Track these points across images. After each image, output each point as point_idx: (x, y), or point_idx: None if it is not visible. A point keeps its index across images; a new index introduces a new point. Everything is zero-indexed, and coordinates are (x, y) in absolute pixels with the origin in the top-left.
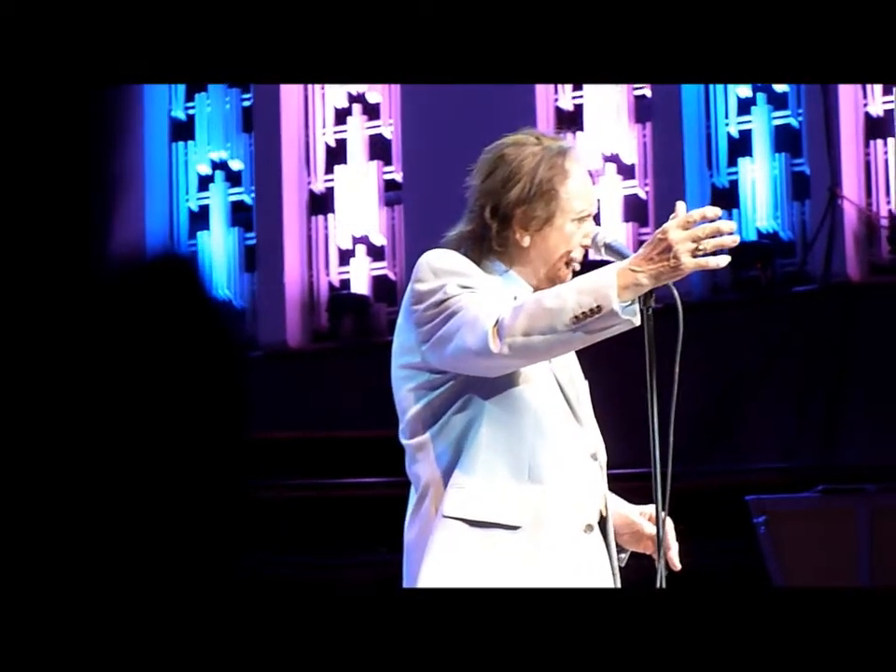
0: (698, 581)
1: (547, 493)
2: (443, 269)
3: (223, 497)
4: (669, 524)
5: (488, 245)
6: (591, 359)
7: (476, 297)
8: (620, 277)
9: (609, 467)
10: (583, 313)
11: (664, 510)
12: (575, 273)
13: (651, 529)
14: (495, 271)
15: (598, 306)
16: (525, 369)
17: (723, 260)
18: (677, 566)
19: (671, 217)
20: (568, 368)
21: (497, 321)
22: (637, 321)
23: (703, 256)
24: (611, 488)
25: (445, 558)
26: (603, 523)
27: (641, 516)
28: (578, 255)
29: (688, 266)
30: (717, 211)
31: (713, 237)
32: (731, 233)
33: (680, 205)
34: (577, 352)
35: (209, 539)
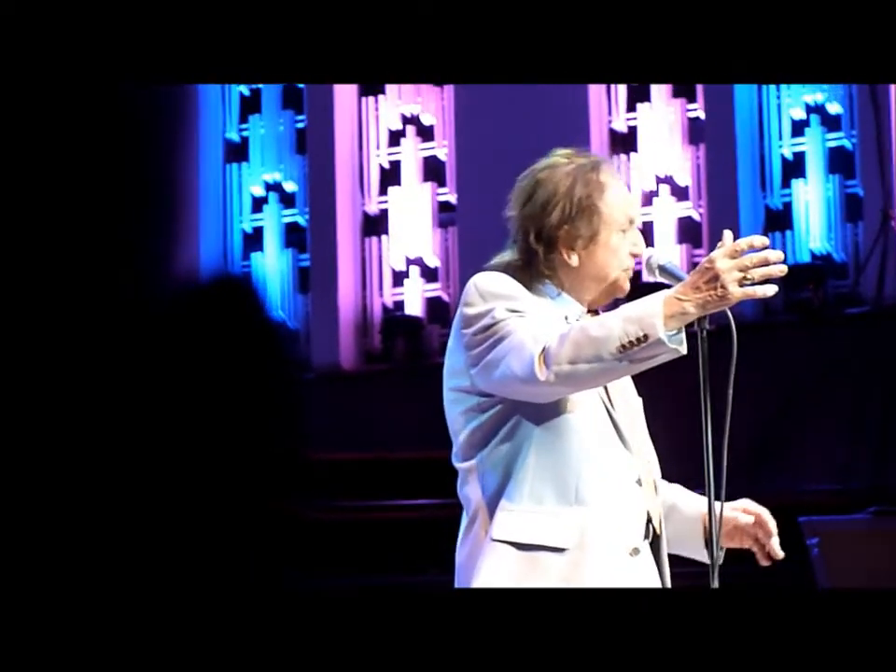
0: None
1: (592, 516)
2: (492, 292)
3: (272, 517)
4: (766, 512)
5: (537, 270)
6: (646, 381)
7: (524, 322)
8: (666, 306)
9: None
10: (630, 342)
11: (717, 532)
12: (627, 296)
13: (746, 519)
14: (547, 294)
15: (645, 335)
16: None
17: (771, 290)
18: (779, 554)
19: (718, 245)
20: (621, 391)
21: (543, 348)
22: (683, 350)
23: (750, 285)
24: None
25: (492, 580)
26: (656, 542)
27: (734, 511)
28: (630, 263)
29: (735, 295)
30: (764, 240)
31: (761, 266)
32: (779, 262)
33: (728, 234)
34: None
35: (254, 555)
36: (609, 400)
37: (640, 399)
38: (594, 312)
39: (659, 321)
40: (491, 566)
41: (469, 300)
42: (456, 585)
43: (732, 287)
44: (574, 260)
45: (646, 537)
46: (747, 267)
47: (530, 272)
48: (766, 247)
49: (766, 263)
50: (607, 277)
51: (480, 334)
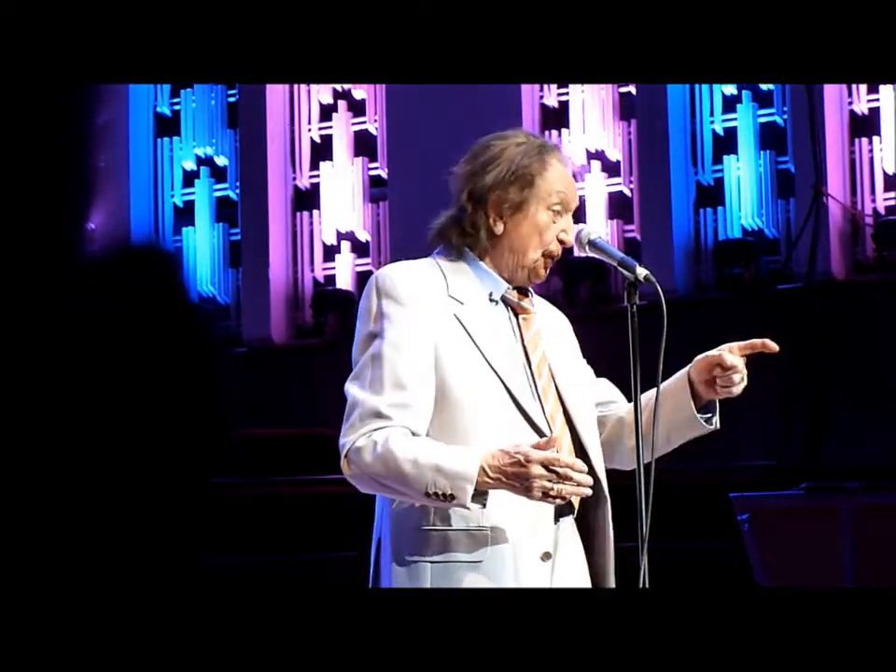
0: (681, 579)
1: (500, 528)
2: (388, 293)
3: (194, 491)
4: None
5: (462, 227)
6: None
7: (377, 377)
8: (479, 475)
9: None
10: (435, 493)
11: (647, 507)
12: (556, 272)
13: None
14: (470, 267)
15: (452, 495)
16: (476, 403)
17: (560, 502)
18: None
19: (543, 442)
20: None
21: (353, 445)
22: (471, 508)
23: (552, 496)
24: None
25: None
26: (593, 513)
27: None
28: (555, 249)
29: (534, 498)
30: (583, 467)
31: (566, 484)
32: (585, 486)
33: (553, 439)
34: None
35: (177, 531)
36: (521, 391)
37: (590, 368)
38: (520, 291)
39: (470, 488)
40: (409, 585)
41: (368, 293)
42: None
43: (535, 491)
44: (499, 227)
45: (568, 513)
46: (555, 481)
47: (457, 229)
48: (582, 472)
49: (573, 492)
50: (525, 253)
51: (360, 346)
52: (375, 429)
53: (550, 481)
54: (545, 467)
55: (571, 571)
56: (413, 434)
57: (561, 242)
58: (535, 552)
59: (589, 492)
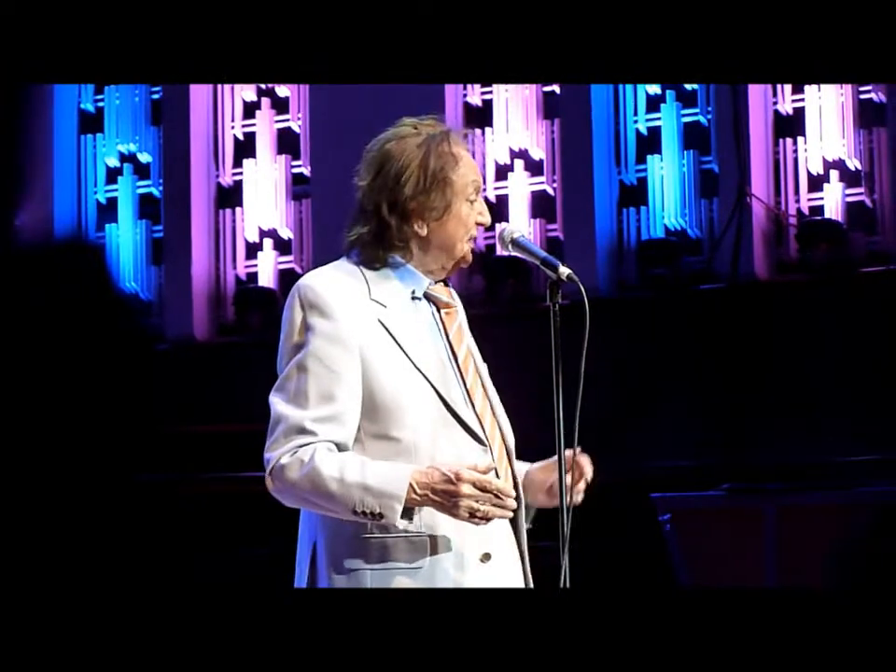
0: (602, 578)
1: (438, 531)
2: (312, 304)
3: (113, 486)
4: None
5: (389, 242)
6: (496, 354)
7: (298, 400)
8: (408, 492)
9: (525, 460)
10: (364, 511)
11: (568, 507)
12: (474, 270)
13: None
14: (393, 268)
15: (381, 514)
16: (405, 407)
17: (482, 525)
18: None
19: (481, 468)
20: (468, 363)
21: (277, 463)
22: (400, 526)
23: (478, 517)
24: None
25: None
26: (514, 519)
27: (545, 469)
28: (475, 231)
29: (460, 517)
30: (512, 493)
31: (493, 505)
32: (508, 507)
33: (487, 464)
34: (479, 348)
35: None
36: (451, 393)
37: (485, 365)
38: (442, 282)
39: (399, 506)
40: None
41: (291, 303)
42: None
43: (462, 510)
44: (423, 230)
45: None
46: (483, 502)
47: (382, 244)
48: (510, 496)
49: (501, 506)
50: (454, 246)
51: (285, 358)
52: (300, 446)
53: (477, 501)
54: (476, 487)
55: (509, 571)
56: (340, 448)
57: (479, 224)
58: (474, 553)
59: (511, 514)
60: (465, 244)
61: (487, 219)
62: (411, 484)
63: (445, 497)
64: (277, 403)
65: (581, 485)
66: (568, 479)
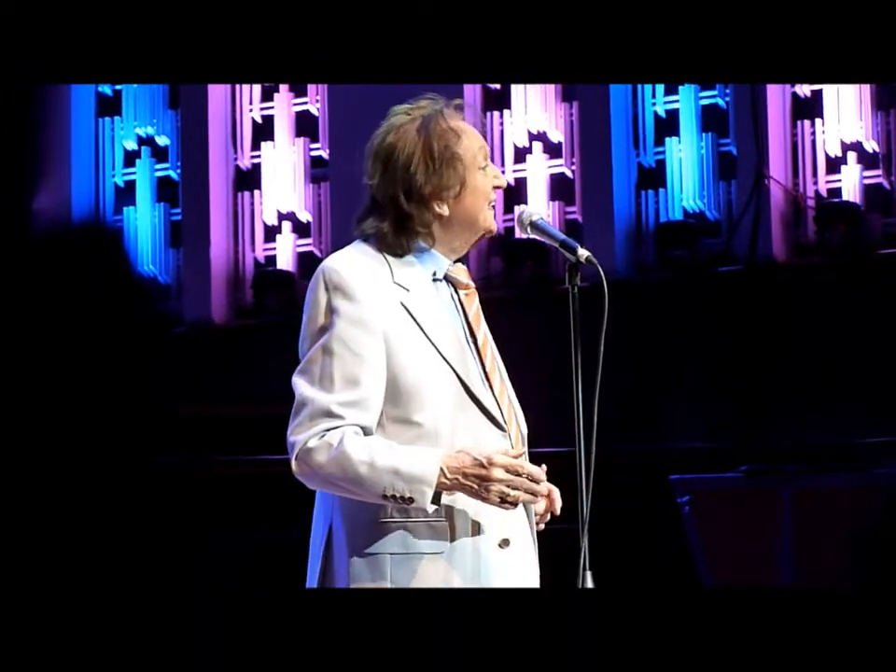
0: (621, 561)
1: (458, 517)
2: (336, 286)
3: (129, 469)
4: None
5: (413, 230)
6: (517, 337)
7: (323, 383)
8: (438, 476)
9: (536, 446)
10: (393, 495)
11: (587, 488)
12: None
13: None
14: (416, 252)
15: (411, 498)
16: (427, 391)
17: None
18: (556, 511)
19: (512, 452)
20: (488, 351)
21: (305, 446)
22: (430, 510)
23: (508, 501)
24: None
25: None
26: (527, 505)
27: None
28: (493, 196)
29: (490, 502)
30: (543, 477)
31: (525, 491)
32: (539, 493)
33: (521, 453)
34: (498, 331)
35: (114, 508)
36: (471, 377)
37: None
38: (460, 261)
39: (430, 491)
40: (370, 579)
41: (315, 286)
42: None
43: (493, 495)
44: (445, 210)
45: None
46: (515, 488)
47: (406, 234)
48: (542, 481)
49: (532, 492)
50: (477, 218)
51: (308, 340)
52: (328, 429)
53: (509, 486)
54: (508, 471)
55: (526, 557)
56: (365, 432)
57: (496, 187)
58: (494, 539)
59: (543, 502)
60: (486, 212)
61: (503, 181)
62: (441, 469)
63: (476, 481)
64: (302, 386)
65: (547, 517)
66: (540, 507)
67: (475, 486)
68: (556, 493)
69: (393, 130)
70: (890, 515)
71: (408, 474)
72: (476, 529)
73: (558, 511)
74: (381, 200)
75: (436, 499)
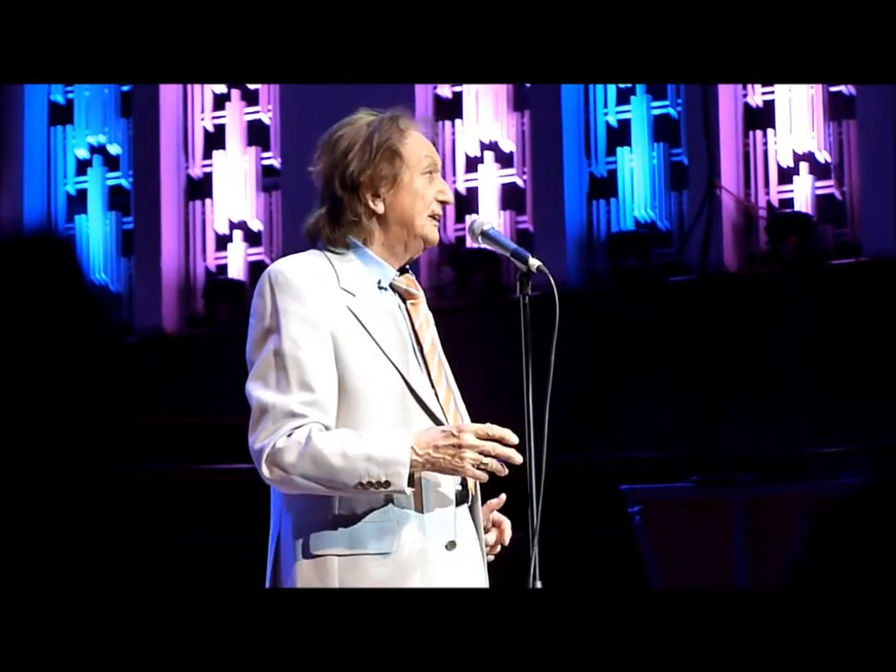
0: (571, 570)
1: (405, 517)
2: (283, 288)
3: (83, 478)
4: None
5: (345, 218)
6: (466, 347)
7: (280, 386)
8: (410, 454)
9: None
10: (370, 482)
11: (538, 498)
12: (453, 263)
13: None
14: (356, 257)
15: (388, 482)
16: (374, 394)
17: (483, 477)
18: (505, 542)
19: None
20: (433, 356)
21: (273, 447)
22: (408, 492)
23: (482, 470)
24: (488, 476)
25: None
26: (474, 504)
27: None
28: (438, 209)
29: (465, 472)
30: (515, 439)
31: (496, 459)
32: (513, 458)
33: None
34: (449, 339)
35: (69, 515)
36: (416, 381)
37: (445, 360)
38: (404, 271)
39: (405, 471)
40: (317, 581)
41: (261, 289)
42: (274, 580)
43: (466, 463)
44: (379, 206)
45: (464, 501)
46: (488, 453)
47: (338, 221)
48: (513, 443)
49: (505, 457)
50: (413, 221)
51: (256, 344)
52: (294, 428)
53: (481, 452)
54: (478, 436)
55: (472, 559)
56: (327, 430)
57: (442, 202)
58: (441, 541)
59: (516, 461)
60: (424, 218)
61: (449, 197)
62: (413, 447)
63: (449, 450)
64: (258, 391)
65: (498, 548)
66: (491, 537)
67: (448, 457)
68: (507, 524)
69: (347, 124)
70: (819, 526)
71: (381, 458)
72: (423, 531)
73: (507, 542)
74: (320, 188)
75: (410, 480)
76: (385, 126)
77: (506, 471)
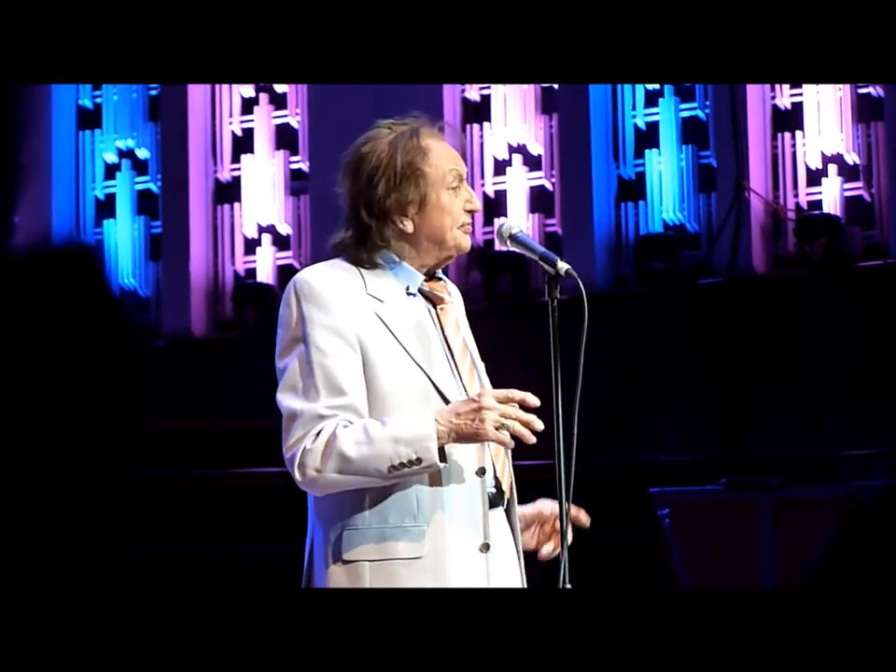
0: (601, 573)
1: (437, 522)
2: (308, 298)
3: (108, 482)
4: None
5: (372, 244)
6: (495, 349)
7: (308, 394)
8: (435, 427)
9: (516, 458)
10: (401, 463)
11: (567, 502)
12: (478, 265)
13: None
14: (385, 265)
15: (419, 458)
16: (404, 400)
17: (510, 442)
18: (585, 523)
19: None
20: (464, 358)
21: (304, 450)
22: (440, 466)
23: (504, 432)
24: (518, 481)
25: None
26: (509, 507)
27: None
28: (467, 219)
29: (487, 435)
30: (536, 401)
31: (520, 422)
32: (535, 428)
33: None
34: (478, 343)
35: (91, 521)
36: (446, 386)
37: (482, 364)
38: (433, 278)
39: (433, 445)
40: (349, 586)
41: (287, 299)
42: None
43: (488, 425)
44: (409, 227)
45: (498, 503)
46: (509, 416)
47: (365, 246)
48: (536, 406)
49: (527, 424)
50: (443, 237)
51: (283, 353)
52: (320, 430)
53: (502, 415)
54: (498, 400)
55: (507, 562)
56: None
57: (469, 211)
58: (474, 543)
59: (538, 429)
60: (454, 232)
61: (476, 205)
62: (435, 419)
63: (469, 415)
64: (287, 400)
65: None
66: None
67: (469, 421)
68: (584, 517)
69: (368, 142)
70: (842, 529)
71: (408, 437)
72: (454, 534)
73: (586, 523)
74: (347, 212)
75: (441, 455)
76: (406, 145)
77: (533, 438)
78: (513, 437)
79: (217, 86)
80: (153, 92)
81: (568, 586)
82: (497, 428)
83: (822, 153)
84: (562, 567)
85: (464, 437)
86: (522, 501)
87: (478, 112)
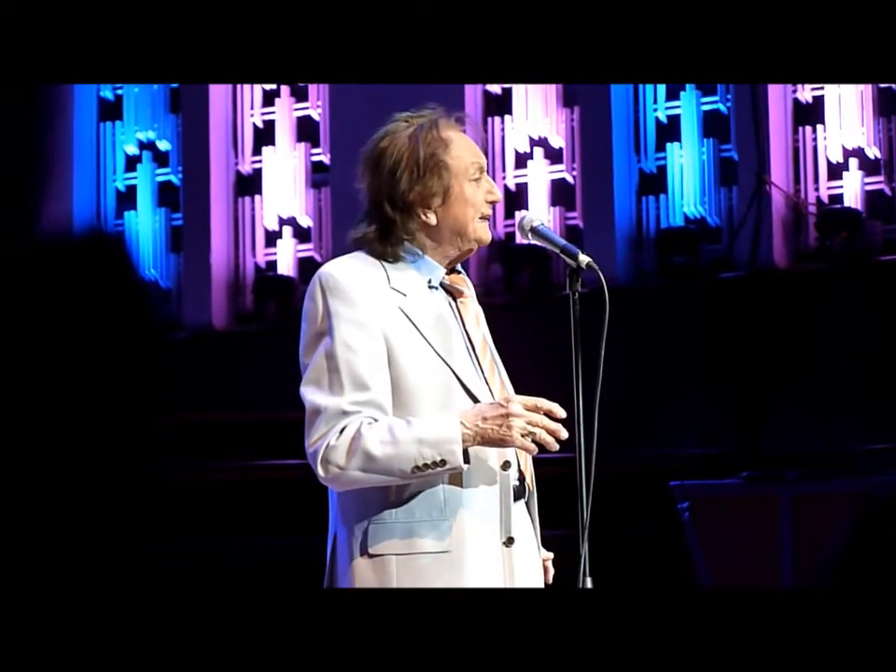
0: (621, 567)
1: (462, 516)
2: (333, 291)
3: (128, 474)
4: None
5: (396, 237)
6: (516, 342)
7: (333, 389)
8: (460, 430)
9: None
10: (426, 464)
11: (588, 495)
12: (499, 259)
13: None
14: (407, 259)
15: (443, 460)
16: (427, 392)
17: (535, 450)
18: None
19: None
20: (485, 355)
21: (327, 446)
22: (464, 468)
23: (530, 440)
24: (537, 474)
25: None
26: (530, 499)
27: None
28: (487, 210)
29: (514, 442)
30: (562, 413)
31: (546, 430)
32: (560, 435)
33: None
34: (498, 336)
35: (111, 514)
36: (471, 379)
37: (498, 357)
38: (452, 271)
39: (458, 448)
40: (375, 581)
41: (312, 293)
42: (332, 580)
43: (514, 432)
44: (432, 219)
45: (521, 496)
46: (535, 424)
47: (389, 240)
48: (562, 417)
49: (553, 433)
50: (465, 228)
51: (308, 347)
52: (345, 426)
53: (529, 423)
54: (525, 407)
55: (529, 555)
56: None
57: (491, 202)
58: (498, 537)
59: (562, 438)
60: (476, 223)
61: (498, 196)
62: (461, 422)
63: (496, 420)
64: (311, 394)
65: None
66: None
67: (496, 426)
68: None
69: (387, 136)
70: (861, 525)
71: (433, 439)
72: (480, 528)
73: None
74: (369, 204)
75: (465, 456)
76: (427, 137)
77: (556, 446)
78: (536, 443)
79: None
80: (174, 84)
81: (589, 580)
82: (523, 436)
83: (843, 147)
84: (582, 562)
85: (489, 441)
86: (542, 495)
87: (499, 105)
